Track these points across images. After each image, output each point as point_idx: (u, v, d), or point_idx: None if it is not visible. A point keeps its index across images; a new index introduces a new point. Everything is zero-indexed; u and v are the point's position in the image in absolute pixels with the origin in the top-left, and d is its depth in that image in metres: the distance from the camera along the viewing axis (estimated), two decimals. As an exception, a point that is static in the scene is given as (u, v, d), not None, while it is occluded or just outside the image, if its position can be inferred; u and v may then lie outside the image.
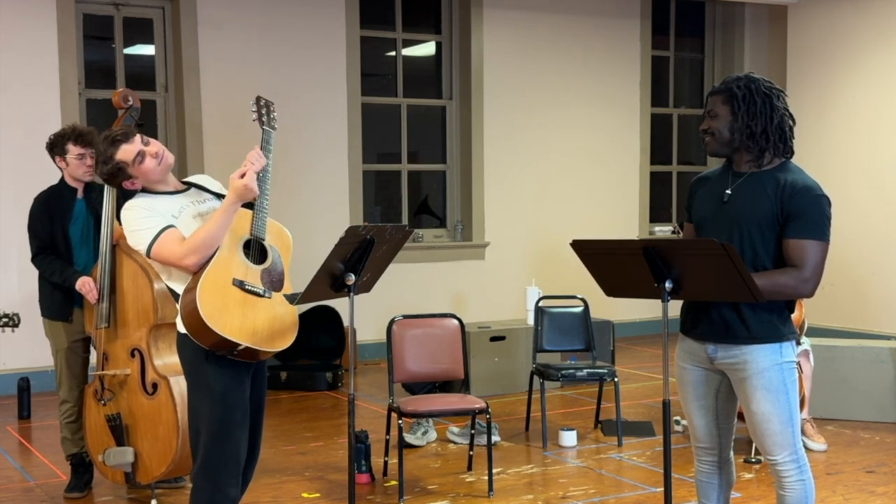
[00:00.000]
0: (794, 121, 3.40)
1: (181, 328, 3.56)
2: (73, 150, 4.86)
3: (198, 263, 3.48)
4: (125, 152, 3.59)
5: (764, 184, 3.31)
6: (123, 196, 3.77)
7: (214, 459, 3.56)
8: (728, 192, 3.37)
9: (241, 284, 3.53)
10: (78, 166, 4.88)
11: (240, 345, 3.46)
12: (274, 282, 3.64)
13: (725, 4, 10.51)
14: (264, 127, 3.73)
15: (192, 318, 3.43)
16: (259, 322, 3.54)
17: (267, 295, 3.59)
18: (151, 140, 3.65)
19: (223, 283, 3.49)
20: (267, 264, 3.64)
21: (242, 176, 3.51)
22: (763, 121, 3.30)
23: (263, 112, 3.77)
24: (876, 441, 5.93)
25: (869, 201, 8.97)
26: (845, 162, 9.16)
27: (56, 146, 4.91)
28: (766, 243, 3.29)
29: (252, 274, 3.58)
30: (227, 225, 3.53)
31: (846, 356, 6.41)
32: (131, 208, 3.58)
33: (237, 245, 3.58)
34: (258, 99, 3.78)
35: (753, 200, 3.30)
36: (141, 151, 3.59)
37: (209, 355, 3.51)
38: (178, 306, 3.58)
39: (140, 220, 3.52)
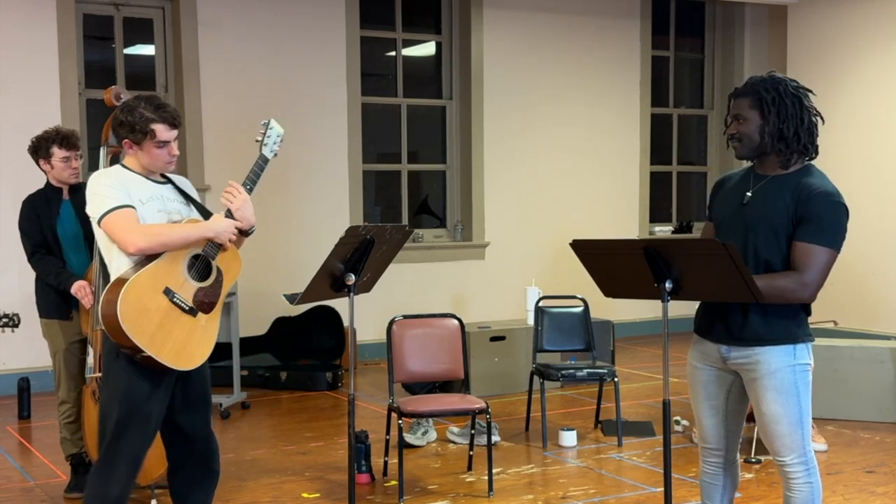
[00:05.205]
0: (823, 119, 3.36)
1: None
2: (58, 153, 4.81)
3: (141, 251, 3.45)
4: (161, 130, 3.56)
5: (783, 187, 3.27)
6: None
7: (107, 457, 3.56)
8: (749, 193, 3.34)
9: (170, 294, 3.50)
10: (63, 169, 4.84)
11: (143, 351, 3.43)
12: (205, 303, 3.59)
13: (725, 4, 10.50)
14: (262, 152, 3.76)
15: (108, 310, 3.42)
16: (174, 335, 3.50)
17: (191, 313, 3.55)
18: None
19: (153, 288, 3.47)
20: (206, 283, 3.61)
21: (238, 229, 3.60)
22: (794, 123, 3.26)
23: (269, 137, 3.79)
24: (876, 441, 5.93)
25: (869, 201, 8.95)
26: (845, 162, 9.14)
27: (40, 149, 4.85)
28: (780, 247, 3.24)
29: (186, 288, 3.55)
30: (189, 242, 3.54)
31: (846, 356, 6.40)
32: (104, 175, 3.60)
33: (185, 255, 3.57)
34: (269, 122, 3.82)
35: (771, 203, 3.27)
36: (168, 142, 3.59)
37: (119, 353, 3.51)
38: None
39: (107, 188, 3.51)
